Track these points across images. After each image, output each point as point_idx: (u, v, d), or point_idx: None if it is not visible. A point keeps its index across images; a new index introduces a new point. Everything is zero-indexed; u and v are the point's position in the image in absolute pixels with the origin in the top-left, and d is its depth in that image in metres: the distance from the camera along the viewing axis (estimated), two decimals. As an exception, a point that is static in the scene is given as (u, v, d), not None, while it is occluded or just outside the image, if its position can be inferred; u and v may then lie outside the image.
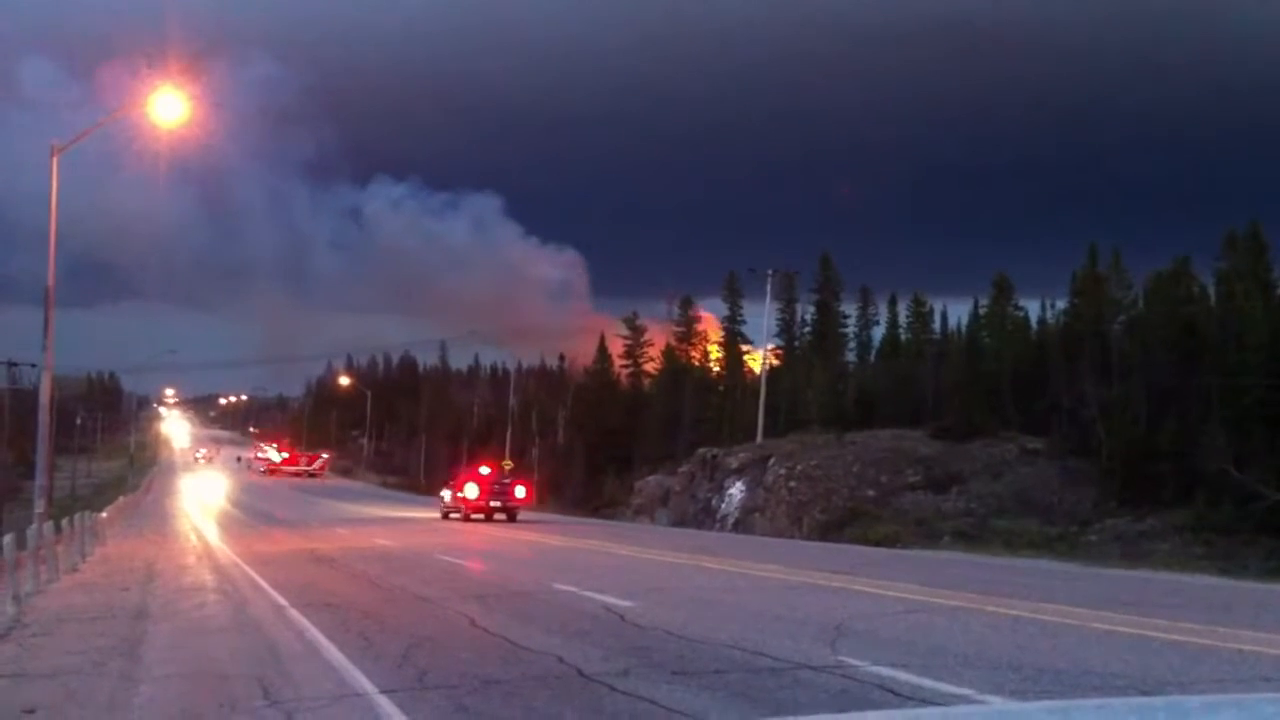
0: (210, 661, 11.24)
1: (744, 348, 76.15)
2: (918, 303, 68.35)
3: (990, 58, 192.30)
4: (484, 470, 49.70)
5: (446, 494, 49.25)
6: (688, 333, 79.63)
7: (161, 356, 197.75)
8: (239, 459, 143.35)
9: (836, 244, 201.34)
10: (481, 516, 46.12)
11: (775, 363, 67.95)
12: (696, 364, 78.21)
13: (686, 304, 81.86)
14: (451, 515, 47.54)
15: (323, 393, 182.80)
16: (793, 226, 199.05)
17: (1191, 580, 22.56)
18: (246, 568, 23.47)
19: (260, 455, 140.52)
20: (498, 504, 46.63)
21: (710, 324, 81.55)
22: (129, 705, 9.22)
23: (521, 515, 47.23)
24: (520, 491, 48.07)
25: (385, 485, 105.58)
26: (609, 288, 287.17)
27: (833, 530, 40.14)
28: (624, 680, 9.59)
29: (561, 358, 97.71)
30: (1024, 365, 51.34)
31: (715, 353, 78.31)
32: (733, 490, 48.86)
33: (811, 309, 71.77)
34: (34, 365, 33.48)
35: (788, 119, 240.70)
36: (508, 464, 79.80)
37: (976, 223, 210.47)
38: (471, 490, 46.95)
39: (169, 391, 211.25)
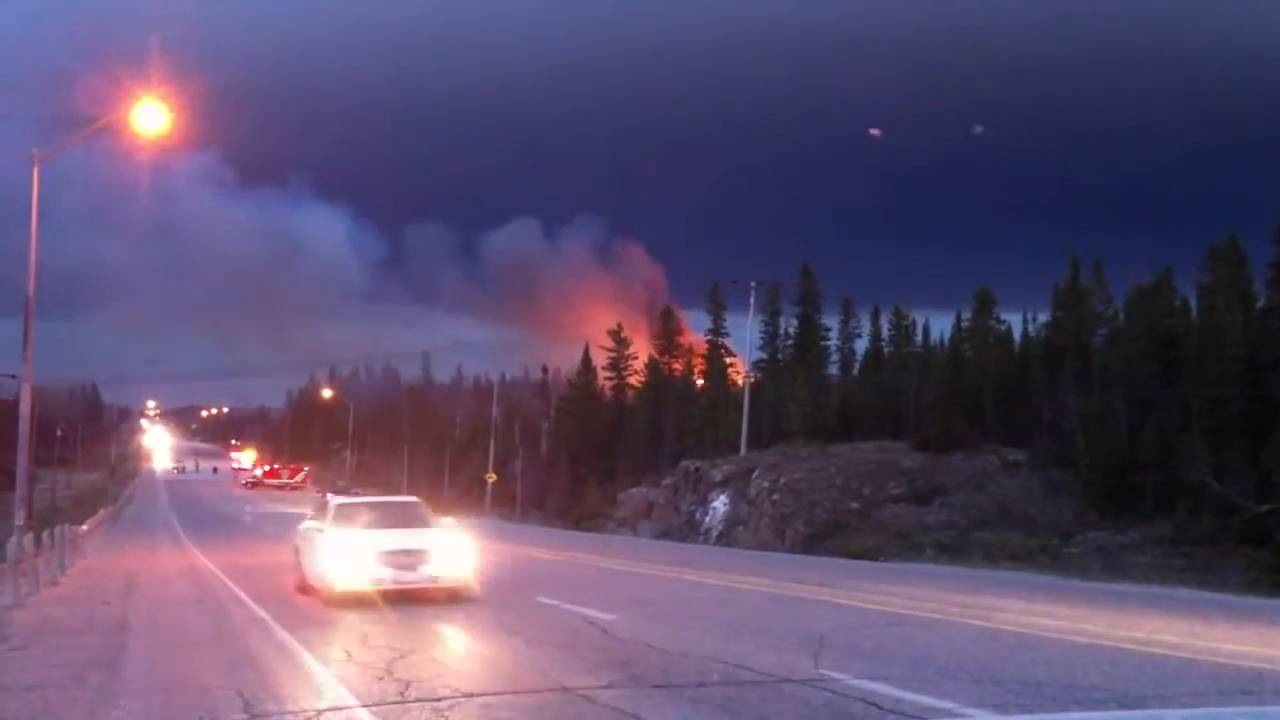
0: (190, 674, 11.17)
1: (727, 360, 76.11)
2: (899, 315, 68.50)
3: (975, 71, 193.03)
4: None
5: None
6: (669, 344, 79.52)
7: (143, 368, 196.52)
8: (215, 469, 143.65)
9: (817, 256, 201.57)
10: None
11: (758, 375, 67.96)
12: (679, 374, 78.11)
13: (668, 315, 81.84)
14: None
15: (304, 404, 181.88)
16: (772, 238, 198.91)
17: (1172, 593, 22.68)
18: (227, 580, 23.35)
19: (236, 466, 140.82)
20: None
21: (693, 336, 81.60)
22: (108, 718, 9.16)
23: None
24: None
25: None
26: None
27: (816, 543, 40.17)
28: (607, 694, 9.58)
29: (544, 369, 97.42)
30: (1006, 378, 51.50)
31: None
32: (716, 503, 48.82)
33: (794, 321, 71.83)
34: (14, 376, 33.24)
35: (763, 128, 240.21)
36: (491, 477, 79.91)
37: (958, 236, 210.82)
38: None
39: (150, 403, 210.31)
